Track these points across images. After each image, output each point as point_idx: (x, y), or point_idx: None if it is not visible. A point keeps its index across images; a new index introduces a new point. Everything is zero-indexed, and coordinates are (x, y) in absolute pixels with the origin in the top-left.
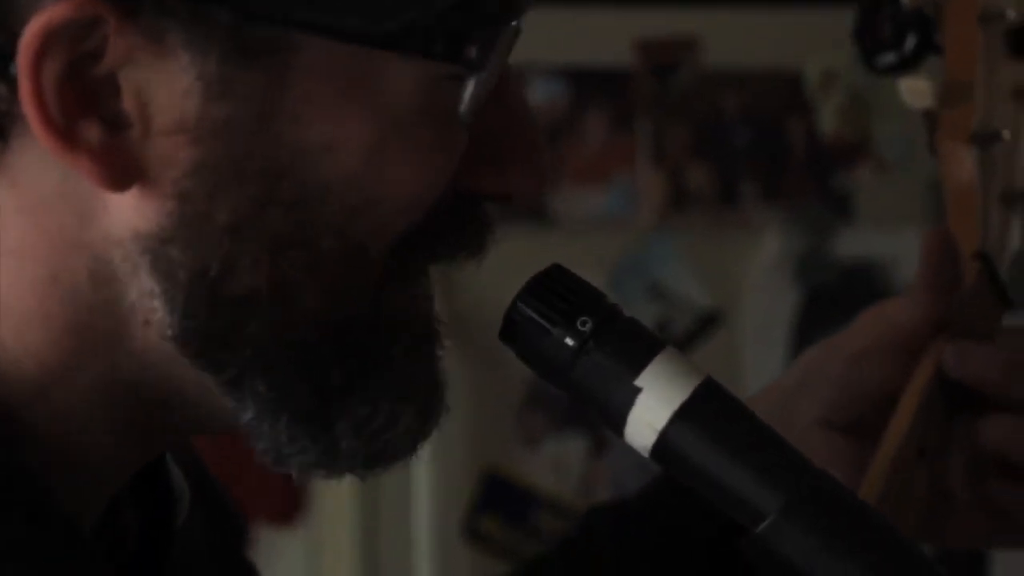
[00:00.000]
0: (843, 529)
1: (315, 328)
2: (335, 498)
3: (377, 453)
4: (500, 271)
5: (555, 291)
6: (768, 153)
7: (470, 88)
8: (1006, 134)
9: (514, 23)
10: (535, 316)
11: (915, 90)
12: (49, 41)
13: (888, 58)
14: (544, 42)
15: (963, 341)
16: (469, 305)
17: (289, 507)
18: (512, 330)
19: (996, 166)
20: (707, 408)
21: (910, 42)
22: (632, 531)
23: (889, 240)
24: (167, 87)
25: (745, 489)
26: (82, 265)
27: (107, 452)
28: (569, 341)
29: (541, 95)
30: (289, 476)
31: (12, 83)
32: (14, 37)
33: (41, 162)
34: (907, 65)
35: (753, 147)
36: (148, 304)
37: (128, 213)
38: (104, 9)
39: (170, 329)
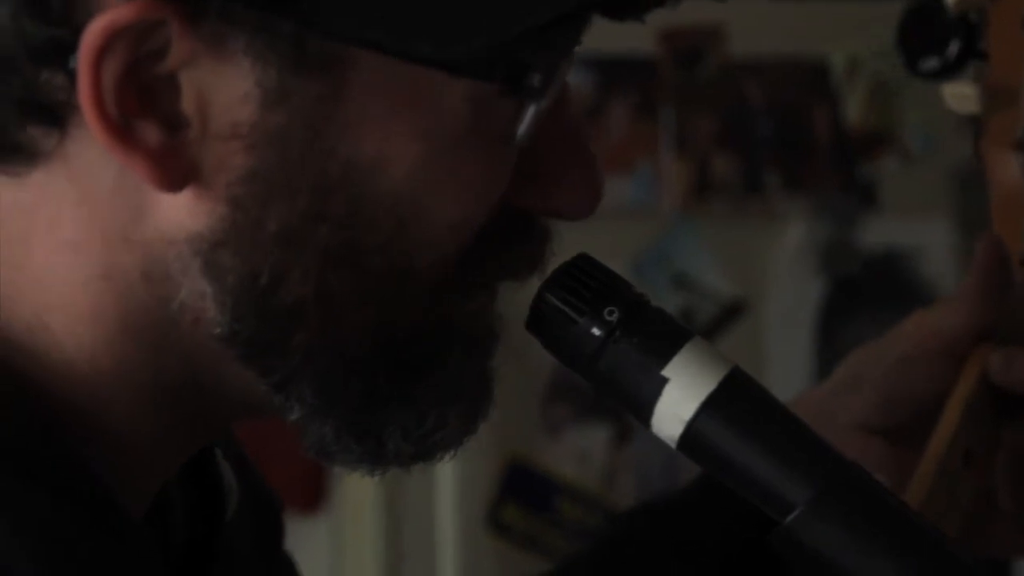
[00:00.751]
0: (873, 522)
1: (363, 339)
2: (359, 487)
3: (423, 452)
4: None
5: (582, 281)
6: (792, 142)
7: (530, 114)
8: None
9: (576, 49)
10: (562, 306)
11: (960, 95)
12: (111, 40)
13: (931, 63)
14: None
15: (1010, 347)
16: (504, 298)
17: (313, 496)
18: (539, 320)
19: None
20: (735, 398)
21: (953, 47)
22: (668, 532)
23: (913, 229)
24: (226, 92)
25: (774, 480)
26: (135, 263)
27: (154, 446)
28: (596, 331)
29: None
30: (313, 465)
31: (72, 75)
32: (76, 30)
33: (99, 156)
34: (950, 70)
35: (777, 136)
36: (198, 304)
37: (181, 214)
38: (169, 12)
39: (219, 329)
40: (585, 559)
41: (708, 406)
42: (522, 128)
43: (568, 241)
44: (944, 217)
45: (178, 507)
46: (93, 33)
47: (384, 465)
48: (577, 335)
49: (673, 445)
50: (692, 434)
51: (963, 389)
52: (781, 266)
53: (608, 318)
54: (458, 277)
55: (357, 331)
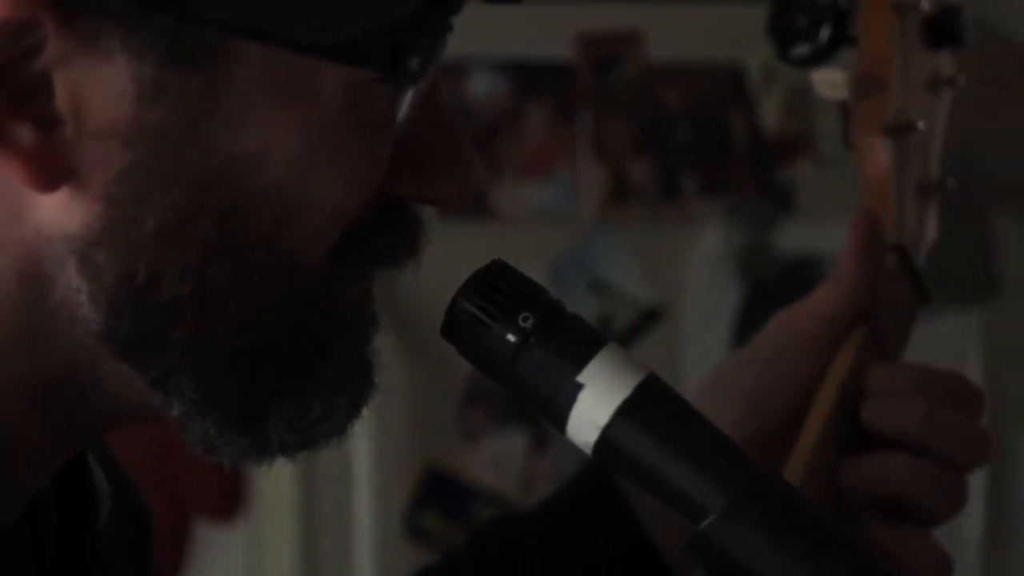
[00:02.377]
0: (787, 528)
1: (244, 333)
2: (275, 494)
3: (308, 442)
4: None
5: (496, 287)
6: (710, 147)
7: (408, 98)
8: (921, 125)
9: (449, 31)
10: (476, 312)
11: (829, 81)
12: None
13: (802, 50)
14: (486, 35)
15: (882, 393)
16: (409, 299)
17: (229, 503)
18: (453, 326)
19: (912, 157)
20: (649, 404)
21: (824, 34)
22: (521, 543)
23: (830, 234)
24: (101, 89)
25: (688, 486)
26: (10, 262)
27: (26, 448)
28: (511, 337)
29: (482, 88)
30: (229, 471)
31: None
32: None
33: None
34: (821, 57)
35: (695, 141)
36: (74, 301)
37: (57, 212)
38: (43, 10)
39: (95, 327)
40: (435, 570)
41: (623, 412)
42: (402, 113)
43: (485, 246)
44: None
45: (51, 512)
46: None
47: (270, 456)
48: (492, 341)
49: (588, 451)
50: (607, 440)
51: (837, 377)
52: (699, 270)
53: (523, 324)
54: (335, 267)
55: (238, 325)
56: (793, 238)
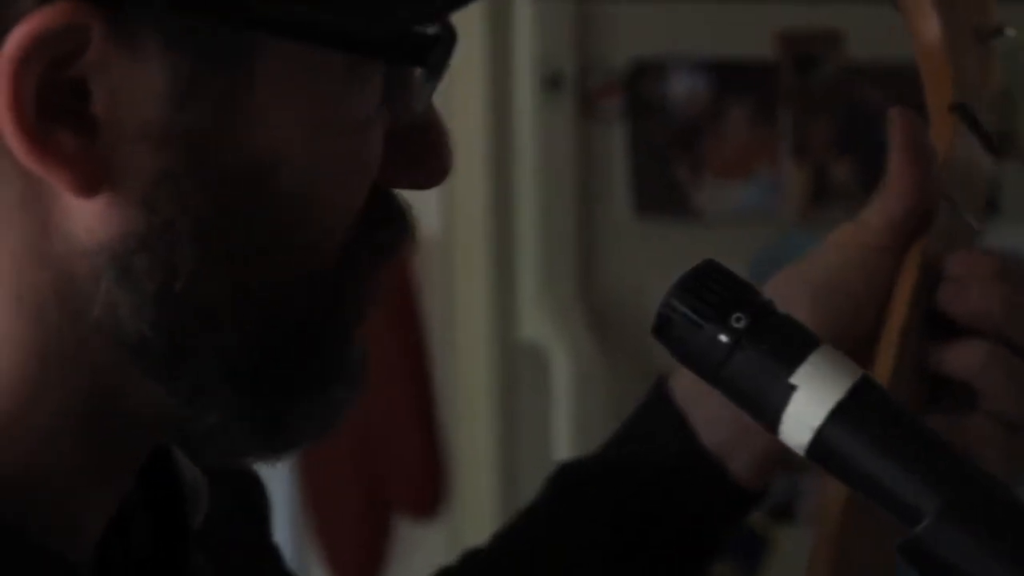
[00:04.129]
0: (1004, 532)
1: (275, 332)
2: (477, 491)
3: (322, 432)
4: (642, 265)
5: (708, 287)
6: None
7: (427, 90)
8: None
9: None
10: (688, 312)
11: None
12: (34, 48)
13: None
14: (687, 35)
15: (958, 274)
16: (611, 298)
17: (430, 500)
18: (665, 326)
19: (963, 6)
20: (863, 406)
21: None
22: (586, 483)
23: None
24: (136, 91)
25: (902, 489)
26: (46, 280)
27: (83, 469)
28: (723, 338)
29: (683, 88)
30: (432, 469)
31: None
32: None
33: (2, 171)
34: None
35: None
36: (112, 318)
37: (93, 222)
38: (92, 17)
39: (134, 340)
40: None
41: (837, 414)
42: (421, 104)
43: (685, 246)
44: None
45: (139, 518)
46: (15, 43)
47: (292, 450)
48: (704, 342)
49: (802, 453)
50: (821, 442)
51: (905, 288)
52: None
53: (735, 325)
54: (347, 261)
55: (268, 325)
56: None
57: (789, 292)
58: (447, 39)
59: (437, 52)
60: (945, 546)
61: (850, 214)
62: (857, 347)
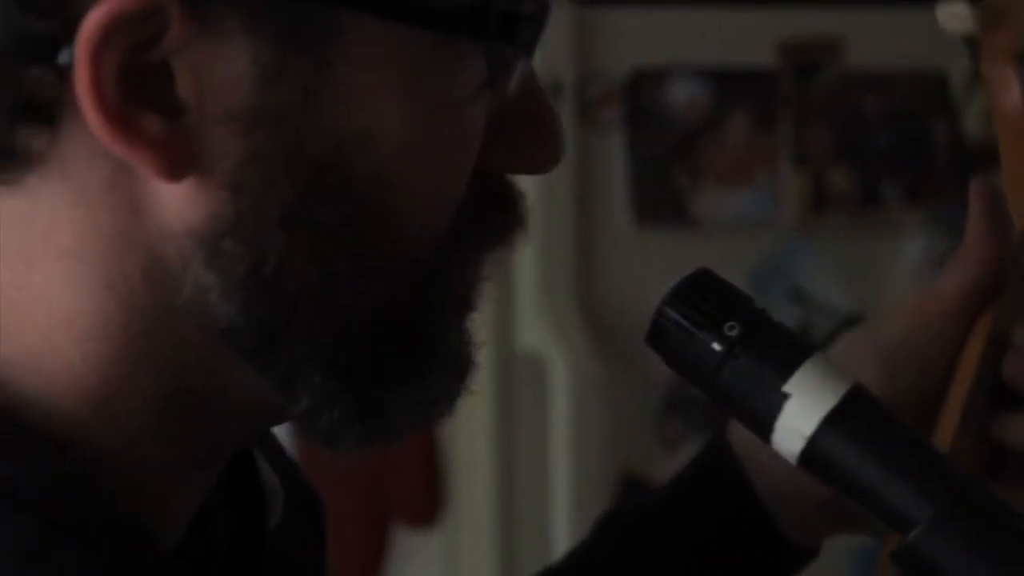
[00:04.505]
0: (996, 540)
1: (366, 318)
2: (473, 501)
3: (423, 423)
4: (642, 273)
5: (702, 295)
6: (911, 155)
7: (518, 71)
8: None
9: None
10: (682, 321)
11: (954, 15)
12: (112, 30)
13: None
14: (687, 42)
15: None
16: (608, 306)
17: (428, 509)
18: (659, 335)
19: None
20: (856, 414)
21: None
22: (641, 525)
23: None
24: (221, 73)
25: (895, 497)
26: (136, 264)
27: (174, 461)
28: (716, 346)
29: (683, 95)
30: (429, 478)
31: (60, 71)
32: (68, 23)
33: (91, 153)
34: None
35: (896, 149)
36: (202, 302)
37: (181, 205)
38: None
39: (225, 324)
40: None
41: (829, 422)
42: (511, 86)
43: (684, 253)
44: None
45: (219, 516)
46: (92, 25)
47: (387, 441)
48: (697, 350)
49: (794, 461)
50: (813, 450)
51: (972, 356)
52: (899, 279)
53: (729, 333)
54: (453, 247)
55: (359, 311)
56: None
57: (859, 353)
58: (537, 15)
59: (526, 29)
60: (938, 553)
61: (850, 221)
62: (923, 412)
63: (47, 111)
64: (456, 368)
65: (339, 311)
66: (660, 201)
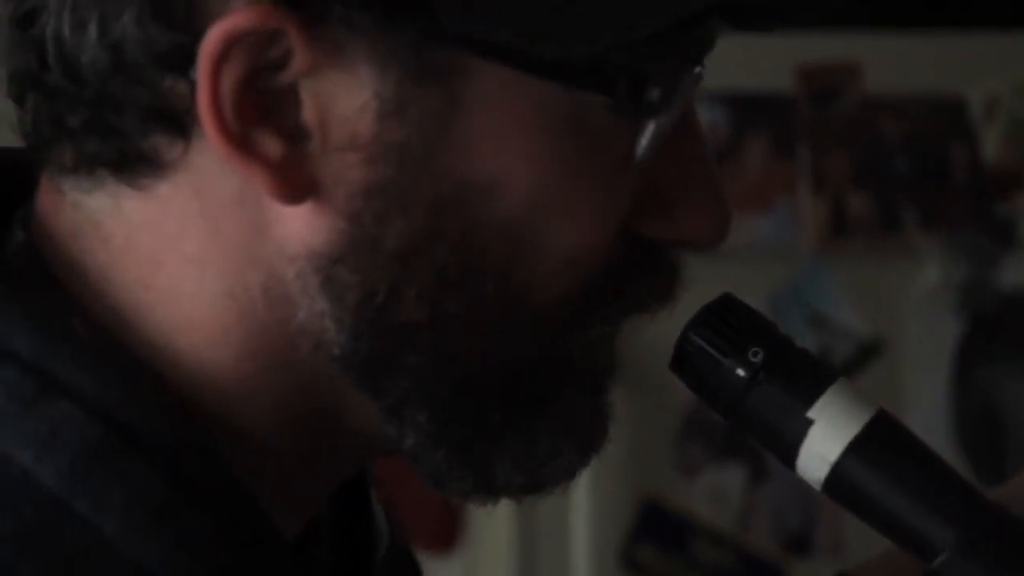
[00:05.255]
0: (1021, 567)
1: (475, 365)
2: (493, 525)
3: (535, 484)
4: None
5: (726, 321)
6: (929, 180)
7: (648, 132)
8: None
9: (699, 68)
10: (706, 346)
11: None
12: (229, 47)
13: None
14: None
15: None
16: (631, 334)
17: (447, 534)
18: (683, 360)
19: None
20: (880, 440)
21: None
22: None
23: None
24: (345, 102)
25: (919, 523)
26: (257, 280)
27: (288, 472)
28: (740, 372)
29: (702, 120)
30: (448, 503)
31: (194, 83)
32: (199, 36)
33: (221, 167)
34: None
35: (914, 174)
36: (317, 324)
37: (301, 228)
38: (288, 20)
39: (337, 350)
40: None
41: (854, 448)
42: (641, 147)
43: (703, 278)
44: None
45: (325, 544)
46: (211, 40)
47: (496, 495)
48: (721, 376)
49: (818, 487)
50: (837, 476)
51: None
52: (918, 305)
53: (753, 359)
54: (582, 311)
55: (470, 356)
56: (1014, 273)
57: None
58: (667, 79)
59: (645, 90)
60: None
61: (868, 246)
62: None
63: (179, 121)
64: (569, 430)
65: (446, 353)
66: None
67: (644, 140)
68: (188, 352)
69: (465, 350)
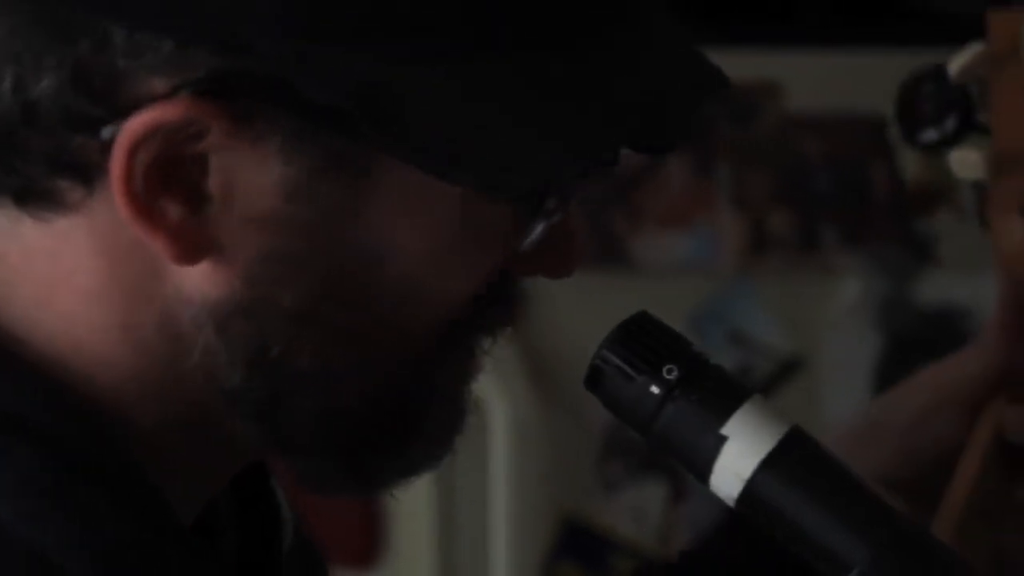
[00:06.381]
0: None
1: (363, 402)
2: (413, 542)
3: (408, 478)
4: (581, 316)
5: (641, 339)
6: (849, 198)
7: (539, 229)
8: None
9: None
10: (621, 364)
11: (965, 162)
12: (150, 135)
13: (929, 135)
14: None
15: None
16: (547, 350)
17: (367, 550)
18: (597, 377)
19: None
20: (794, 457)
21: (951, 122)
22: None
23: (970, 285)
24: (253, 179)
25: (832, 540)
26: (151, 319)
27: (177, 466)
28: (655, 389)
29: None
30: (368, 519)
31: (103, 143)
32: (115, 111)
33: (120, 218)
34: (948, 143)
35: (834, 192)
36: (210, 363)
37: (199, 279)
38: (212, 114)
39: (228, 385)
40: None
41: (767, 465)
42: (528, 241)
43: (623, 297)
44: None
45: (229, 530)
46: (134, 126)
47: (373, 492)
48: (636, 393)
49: (731, 504)
50: (751, 493)
51: (979, 443)
52: (838, 322)
53: (667, 376)
54: (448, 340)
55: (359, 395)
56: (933, 289)
57: (878, 432)
58: (565, 192)
59: (544, 201)
60: None
61: (789, 264)
62: (940, 493)
63: (85, 173)
64: (442, 438)
65: (336, 395)
66: (599, 244)
67: (533, 236)
68: (79, 370)
69: (354, 391)
